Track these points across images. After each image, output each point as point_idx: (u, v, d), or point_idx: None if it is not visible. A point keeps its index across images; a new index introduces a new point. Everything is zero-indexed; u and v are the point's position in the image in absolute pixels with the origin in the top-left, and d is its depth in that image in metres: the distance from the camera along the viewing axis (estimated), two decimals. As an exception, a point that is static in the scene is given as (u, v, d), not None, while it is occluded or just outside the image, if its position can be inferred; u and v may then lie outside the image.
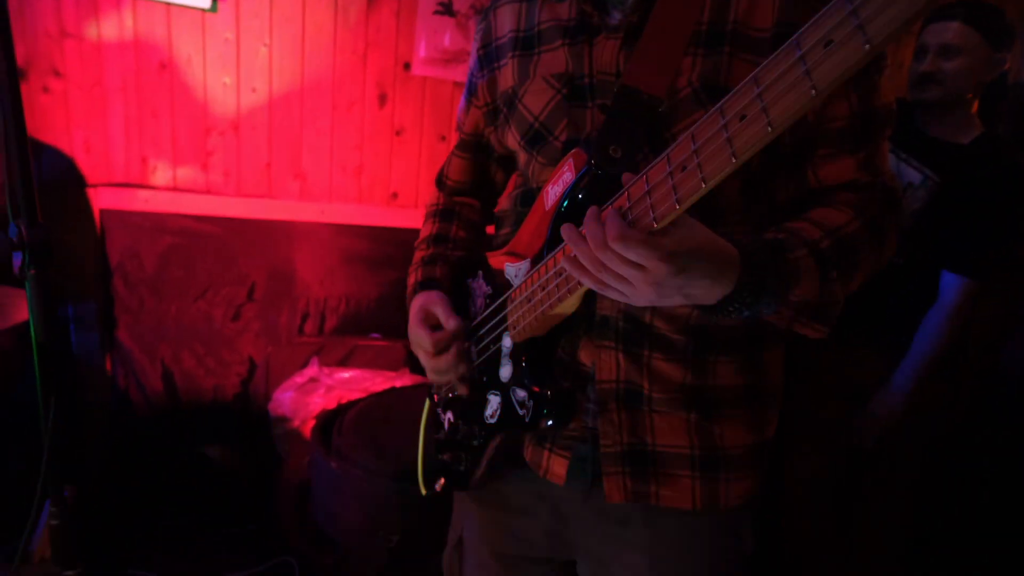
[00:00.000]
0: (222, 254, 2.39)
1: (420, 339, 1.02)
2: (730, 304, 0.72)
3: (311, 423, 2.23)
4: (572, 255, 0.73)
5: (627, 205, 0.68)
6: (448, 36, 2.36)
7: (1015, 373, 1.70)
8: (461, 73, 2.38)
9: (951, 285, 1.75)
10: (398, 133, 2.46)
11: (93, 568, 1.97)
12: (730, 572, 0.96)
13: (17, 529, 1.13)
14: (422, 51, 2.36)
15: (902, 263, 1.84)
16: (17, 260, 0.90)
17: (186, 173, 2.31)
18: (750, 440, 0.94)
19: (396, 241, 2.47)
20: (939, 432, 2.01)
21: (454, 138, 1.16)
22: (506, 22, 1.00)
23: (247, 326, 2.47)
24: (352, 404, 2.15)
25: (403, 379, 2.44)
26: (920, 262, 1.81)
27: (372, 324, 2.60)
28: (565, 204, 0.84)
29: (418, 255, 1.19)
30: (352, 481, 1.81)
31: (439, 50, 2.37)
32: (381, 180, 2.49)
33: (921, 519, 2.11)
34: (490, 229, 1.20)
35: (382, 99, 2.41)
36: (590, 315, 0.89)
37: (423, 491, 1.16)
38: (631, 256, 0.65)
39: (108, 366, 2.36)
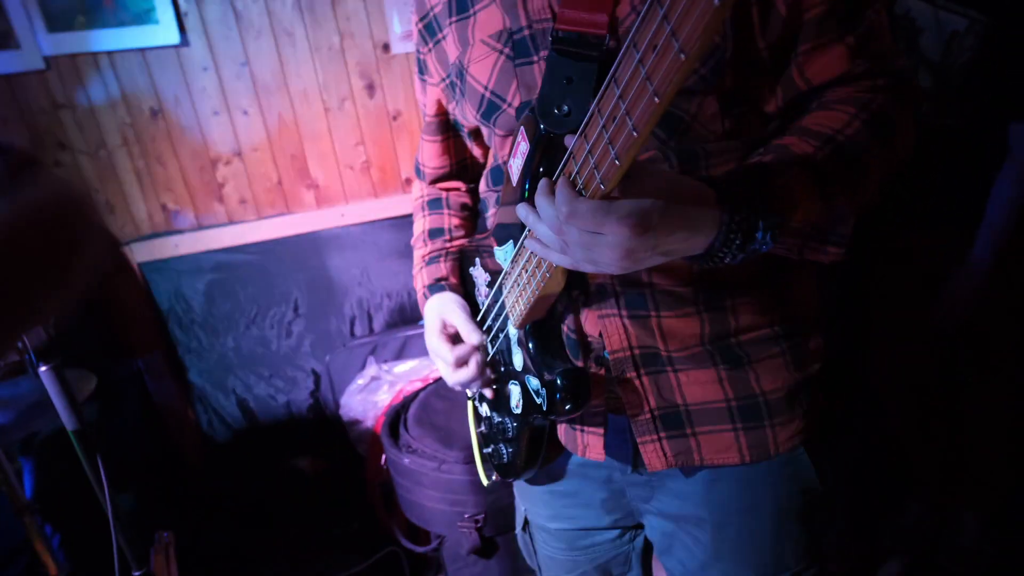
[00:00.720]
0: (260, 278, 2.44)
1: (440, 351, 0.98)
2: (720, 250, 0.63)
3: (381, 420, 2.28)
4: (535, 236, 0.66)
5: (574, 170, 0.60)
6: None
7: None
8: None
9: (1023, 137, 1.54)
10: (395, 117, 2.39)
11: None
12: (798, 515, 0.90)
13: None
14: (397, 27, 2.26)
15: (958, 125, 1.64)
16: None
17: (205, 209, 2.35)
18: (792, 380, 0.85)
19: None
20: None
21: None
22: None
23: (300, 341, 2.53)
24: (414, 396, 2.17)
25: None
26: (980, 120, 1.60)
27: (417, 312, 2.60)
28: (528, 179, 0.77)
29: (418, 254, 1.15)
30: (426, 473, 1.83)
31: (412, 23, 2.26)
32: (390, 169, 2.44)
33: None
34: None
35: (370, 88, 2.34)
36: (585, 285, 0.83)
37: (484, 482, 1.15)
38: (586, 226, 0.58)
39: (190, 409, 2.49)
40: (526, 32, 0.80)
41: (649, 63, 0.45)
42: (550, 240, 0.63)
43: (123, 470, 1.96)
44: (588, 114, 0.56)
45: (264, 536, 2.49)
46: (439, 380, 2.22)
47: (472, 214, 1.18)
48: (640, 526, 1.06)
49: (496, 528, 1.85)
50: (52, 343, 0.90)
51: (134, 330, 2.35)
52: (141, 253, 2.31)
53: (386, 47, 2.30)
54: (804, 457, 0.88)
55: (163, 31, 2.10)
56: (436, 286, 1.07)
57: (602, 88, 0.53)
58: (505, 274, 0.86)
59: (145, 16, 2.08)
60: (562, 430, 0.95)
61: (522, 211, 0.66)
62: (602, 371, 0.87)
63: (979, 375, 1.85)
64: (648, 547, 1.09)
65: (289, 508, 2.56)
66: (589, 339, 0.86)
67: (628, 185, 0.57)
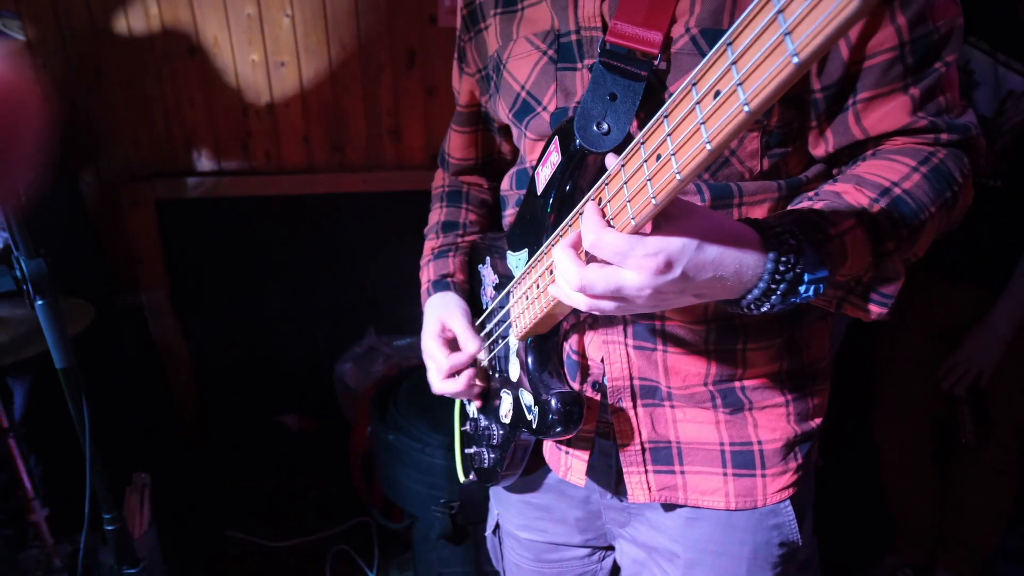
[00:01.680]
0: (273, 232, 2.43)
1: (436, 356, 0.96)
2: (759, 299, 0.59)
3: (372, 391, 2.28)
4: (557, 283, 0.64)
5: (606, 197, 0.58)
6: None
7: None
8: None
9: None
10: (431, 92, 2.36)
11: (192, 529, 2.14)
12: (773, 566, 0.88)
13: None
14: (446, 0, 2.22)
15: (1000, 186, 1.60)
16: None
17: (229, 156, 2.33)
18: (792, 432, 0.83)
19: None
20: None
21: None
22: None
23: (305, 301, 2.52)
24: (409, 372, 2.16)
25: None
26: (1022, 185, 1.56)
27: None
28: (554, 191, 0.75)
29: (428, 245, 1.12)
30: (409, 452, 1.83)
31: (464, -3, 2.22)
32: (418, 142, 2.41)
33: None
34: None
35: (411, 58, 2.30)
36: None
37: (460, 478, 1.13)
38: (610, 258, 0.56)
39: (186, 352, 2.49)
40: (573, 37, 0.77)
41: (708, 109, 0.43)
42: (570, 280, 0.59)
43: (112, 406, 1.97)
44: (631, 145, 0.53)
45: (241, 488, 2.51)
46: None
47: (489, 212, 1.15)
48: (611, 548, 1.05)
49: (469, 517, 1.85)
50: (52, 273, 0.89)
51: (141, 265, 2.35)
52: (159, 190, 2.30)
53: (432, 19, 2.26)
54: (789, 509, 0.86)
55: (212, -30, 2.07)
56: (441, 283, 1.04)
57: (651, 122, 0.50)
58: (515, 282, 0.84)
59: (196, -48, 2.05)
60: (547, 446, 0.94)
61: (560, 255, 0.62)
62: (598, 396, 0.85)
63: (977, 439, 1.83)
64: (616, 570, 1.08)
65: (271, 463, 2.57)
66: (589, 362, 0.84)
67: (662, 221, 0.54)
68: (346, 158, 2.40)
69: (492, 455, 0.98)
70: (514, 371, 0.88)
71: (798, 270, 0.58)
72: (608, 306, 0.60)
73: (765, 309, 0.60)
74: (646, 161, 0.51)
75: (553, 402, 0.76)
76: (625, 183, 0.54)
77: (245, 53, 2.21)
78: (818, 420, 0.87)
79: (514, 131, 0.89)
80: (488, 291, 0.99)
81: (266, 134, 2.32)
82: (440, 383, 0.96)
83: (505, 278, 0.90)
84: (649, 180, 0.50)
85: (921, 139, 0.70)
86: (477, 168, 1.12)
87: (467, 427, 1.09)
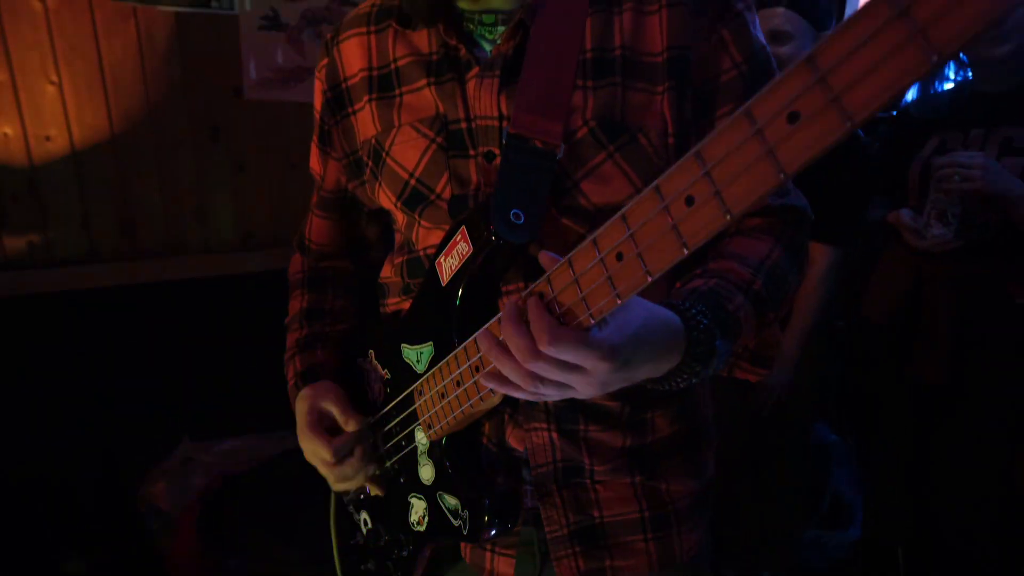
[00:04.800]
0: (44, 337, 2.00)
1: (316, 448, 0.86)
2: (677, 376, 0.64)
3: (195, 510, 1.95)
4: (494, 370, 0.61)
5: (550, 294, 0.57)
6: (280, 53, 2.11)
7: (875, 322, 1.84)
8: (302, 92, 2.14)
9: (815, 254, 1.84)
10: (240, 167, 2.17)
11: None
12: None
13: None
14: (252, 73, 2.09)
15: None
16: None
17: (-24, 248, 1.89)
18: (694, 487, 0.88)
19: (255, 287, 2.19)
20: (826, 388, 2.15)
21: (303, 167, 0.98)
22: (355, 59, 0.84)
23: (96, 414, 2.09)
24: (240, 478, 1.89)
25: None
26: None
27: (249, 393, 2.30)
28: (464, 284, 0.72)
29: (291, 337, 1.01)
30: (257, 577, 1.59)
31: (272, 69, 2.11)
32: (228, 222, 2.19)
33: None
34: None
35: (214, 132, 2.11)
36: (516, 399, 0.78)
37: (349, 603, 1.00)
38: (568, 358, 0.55)
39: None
40: (463, 125, 0.77)
41: (682, 215, 0.45)
42: (517, 376, 0.58)
43: None
44: (582, 244, 0.53)
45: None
46: (279, 459, 1.96)
47: (356, 298, 1.08)
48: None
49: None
50: None
51: None
52: None
53: (237, 91, 2.10)
54: (705, 564, 0.90)
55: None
56: (310, 373, 0.95)
57: (605, 225, 0.51)
58: (424, 379, 0.78)
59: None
60: (468, 549, 0.87)
61: (486, 342, 0.61)
62: (523, 487, 0.82)
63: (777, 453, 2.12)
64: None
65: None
66: (512, 452, 0.82)
67: (611, 315, 0.55)
68: (139, 242, 2.09)
69: (399, 571, 0.89)
70: (427, 473, 0.81)
71: (711, 347, 0.64)
72: (551, 394, 0.60)
73: (681, 384, 0.66)
74: (603, 261, 0.51)
75: (487, 502, 0.72)
76: (576, 281, 0.54)
77: (-7, 126, 1.84)
78: (712, 473, 0.93)
79: (401, 218, 0.85)
80: (375, 387, 0.91)
81: (28, 218, 1.93)
82: (335, 473, 0.87)
83: (400, 373, 0.84)
84: (611, 280, 0.51)
85: (772, 219, 0.82)
86: (341, 252, 1.04)
87: (358, 539, 0.98)
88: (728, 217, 0.42)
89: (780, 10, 1.76)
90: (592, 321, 0.54)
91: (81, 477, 2.11)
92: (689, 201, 0.44)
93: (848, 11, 2.93)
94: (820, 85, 0.36)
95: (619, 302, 0.51)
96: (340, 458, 0.85)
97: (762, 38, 0.76)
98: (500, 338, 0.60)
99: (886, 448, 1.92)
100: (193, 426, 2.17)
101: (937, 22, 0.31)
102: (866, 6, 0.34)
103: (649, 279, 0.48)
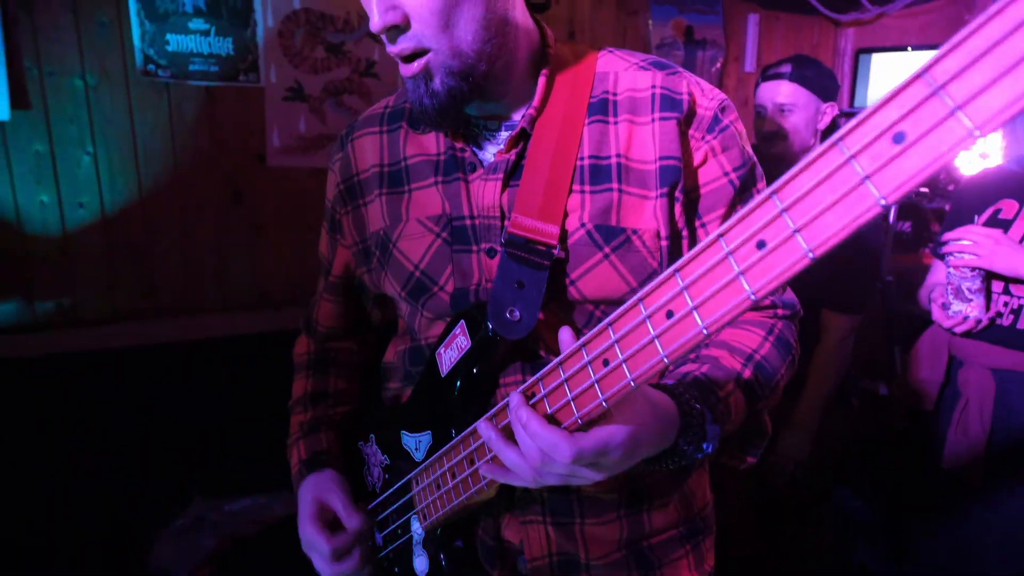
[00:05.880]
0: (66, 400, 2.04)
1: (316, 543, 0.86)
2: (668, 460, 0.66)
3: (204, 574, 1.93)
4: (493, 459, 0.62)
5: (541, 392, 0.58)
6: (303, 122, 2.21)
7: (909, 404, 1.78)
8: (322, 159, 2.23)
9: (831, 322, 1.83)
10: (259, 229, 2.25)
11: None
12: None
13: None
14: (276, 140, 2.18)
15: None
16: None
17: (6, 308, 1.96)
18: None
19: (273, 348, 2.23)
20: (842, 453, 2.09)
21: (320, 232, 1.02)
22: (367, 155, 0.88)
23: (102, 473, 2.11)
24: (250, 541, 1.88)
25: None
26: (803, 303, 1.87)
27: (262, 453, 2.31)
28: (461, 377, 0.74)
29: (295, 420, 1.02)
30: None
31: (294, 137, 2.20)
32: (246, 282, 2.25)
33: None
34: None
35: (236, 195, 2.19)
36: (509, 489, 0.78)
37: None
38: (583, 461, 0.57)
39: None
40: (467, 222, 0.79)
41: (663, 327, 0.46)
42: (518, 467, 0.60)
43: None
44: (572, 349, 0.55)
45: None
46: (285, 521, 1.95)
47: (358, 377, 1.10)
48: None
49: None
50: None
51: None
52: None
53: (261, 158, 2.19)
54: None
55: (-9, 104, 1.82)
56: (315, 461, 0.95)
57: (593, 332, 0.52)
58: (421, 468, 0.79)
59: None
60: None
61: (491, 436, 0.62)
62: (517, 575, 0.81)
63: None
64: None
65: None
66: (507, 545, 0.81)
67: (612, 411, 0.56)
68: (160, 303, 2.15)
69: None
70: (421, 564, 0.81)
71: (703, 430, 0.66)
72: (554, 481, 0.62)
73: (672, 467, 0.68)
74: (590, 365, 0.52)
75: (484, 596, 0.71)
76: (565, 383, 0.55)
77: (32, 192, 1.93)
78: (712, 562, 0.91)
79: (404, 307, 0.87)
80: (375, 472, 0.92)
81: (57, 282, 2.00)
82: (330, 568, 0.87)
83: (400, 460, 0.85)
84: (597, 385, 0.52)
85: (764, 313, 0.83)
86: (346, 334, 1.07)
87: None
88: (704, 332, 0.43)
89: (784, 84, 1.81)
90: (580, 423, 0.55)
91: (90, 539, 2.12)
92: (669, 314, 0.45)
93: (860, 80, 2.97)
94: (784, 215, 0.38)
95: (604, 406, 0.53)
96: (339, 557, 0.85)
97: (749, 149, 0.79)
98: (501, 426, 0.62)
99: (926, 535, 1.79)
100: (204, 484, 2.17)
101: (881, 171, 0.33)
102: (822, 148, 0.36)
103: (632, 386, 0.49)
